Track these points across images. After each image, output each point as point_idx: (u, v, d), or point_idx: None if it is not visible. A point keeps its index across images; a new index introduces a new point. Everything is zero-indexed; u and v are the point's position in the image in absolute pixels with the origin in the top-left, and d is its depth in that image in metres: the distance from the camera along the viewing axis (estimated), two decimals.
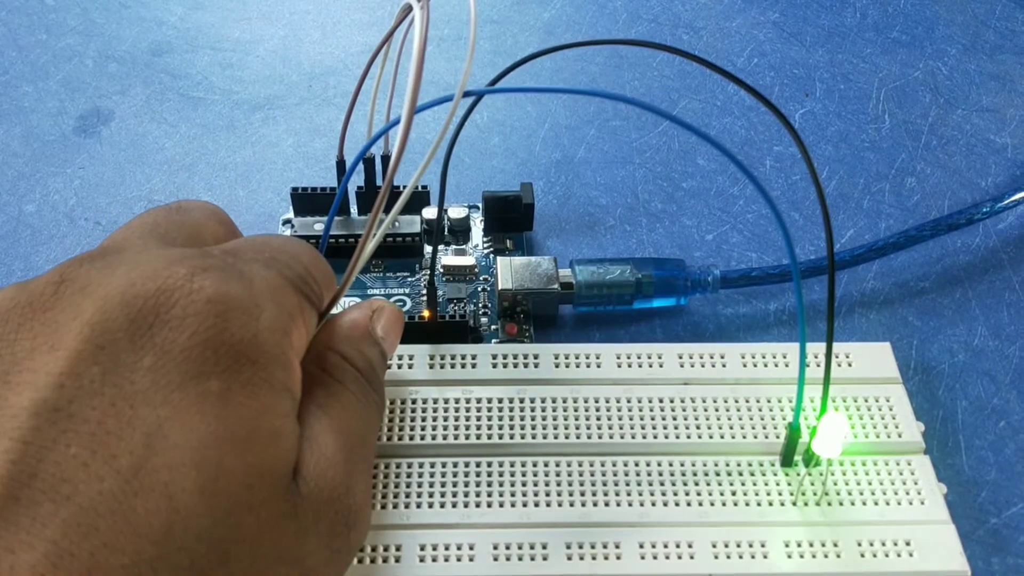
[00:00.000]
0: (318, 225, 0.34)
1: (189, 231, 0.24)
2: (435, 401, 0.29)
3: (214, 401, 0.19)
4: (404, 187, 0.34)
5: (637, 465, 0.27)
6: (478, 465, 0.27)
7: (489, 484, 0.27)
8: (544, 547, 0.25)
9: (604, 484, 0.27)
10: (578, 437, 0.28)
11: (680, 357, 0.30)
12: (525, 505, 0.26)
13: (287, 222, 0.36)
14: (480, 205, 0.36)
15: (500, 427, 0.28)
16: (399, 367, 0.30)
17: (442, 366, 0.30)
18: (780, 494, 0.27)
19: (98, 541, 0.17)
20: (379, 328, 0.26)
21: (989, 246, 0.36)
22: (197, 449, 0.19)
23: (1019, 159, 0.40)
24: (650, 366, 0.30)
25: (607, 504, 0.26)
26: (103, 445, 0.18)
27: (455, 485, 0.27)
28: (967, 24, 0.47)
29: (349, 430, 0.23)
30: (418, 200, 0.35)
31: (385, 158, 0.33)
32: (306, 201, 0.35)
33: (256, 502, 0.19)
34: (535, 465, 0.27)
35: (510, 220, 0.35)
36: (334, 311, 0.25)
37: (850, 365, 0.30)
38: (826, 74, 0.44)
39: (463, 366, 0.30)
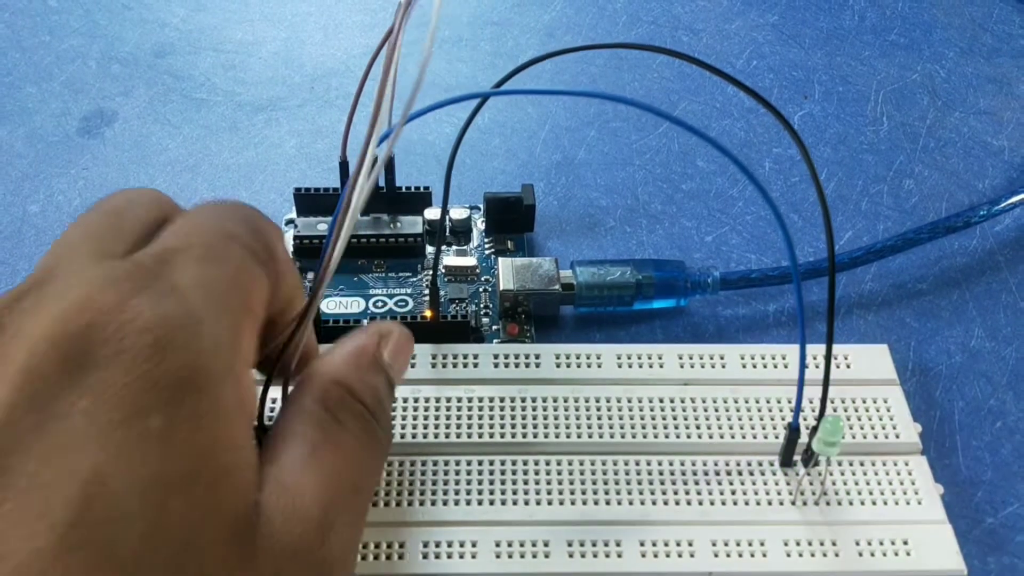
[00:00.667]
0: (321, 225, 0.35)
1: (127, 234, 0.21)
2: (437, 400, 0.29)
3: (155, 441, 0.18)
4: (408, 188, 0.35)
5: (638, 464, 0.27)
6: (480, 464, 0.27)
7: (491, 482, 0.27)
8: (546, 544, 0.25)
9: (605, 483, 0.27)
10: (579, 436, 0.28)
11: (680, 358, 0.30)
12: (527, 503, 0.26)
13: (290, 222, 0.36)
14: (481, 206, 0.37)
15: (502, 426, 0.28)
16: None
17: (444, 365, 0.30)
18: (779, 494, 0.27)
19: None
20: (386, 354, 0.24)
21: (986, 248, 0.36)
22: (138, 494, 0.17)
23: (1016, 162, 0.40)
24: (650, 367, 0.30)
25: (608, 503, 0.27)
26: (38, 499, 0.17)
27: (457, 483, 0.27)
28: (964, 27, 0.47)
29: (339, 478, 0.21)
30: (420, 201, 0.35)
31: (389, 160, 0.34)
32: (309, 201, 0.35)
33: (205, 545, 0.18)
34: (537, 464, 0.27)
35: (511, 221, 0.36)
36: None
37: (848, 367, 0.30)
38: (824, 76, 0.44)
39: (465, 366, 0.30)
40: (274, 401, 0.27)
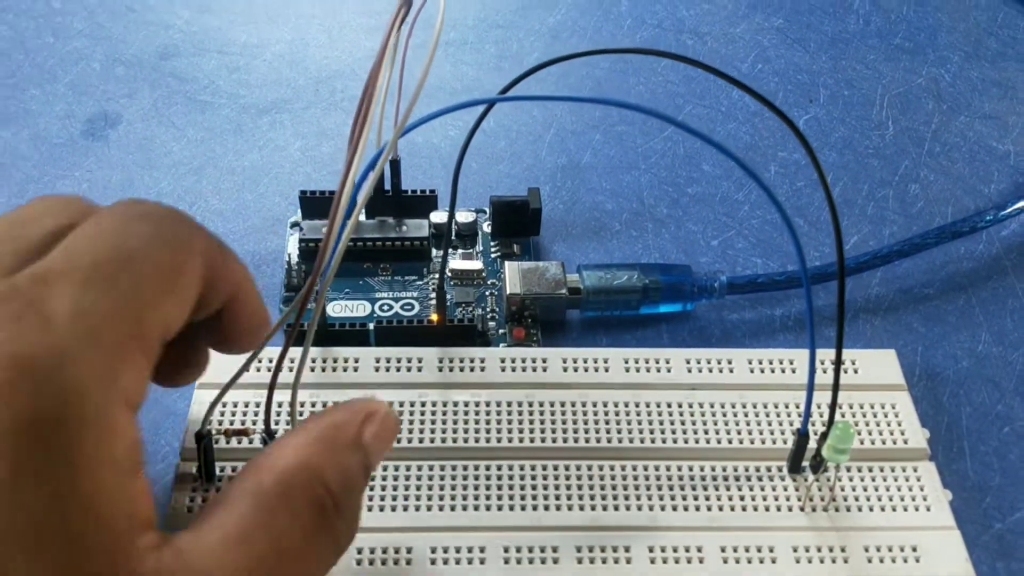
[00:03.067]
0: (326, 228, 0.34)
1: (24, 249, 0.19)
2: (444, 404, 0.29)
3: (1, 492, 0.16)
4: (414, 191, 0.35)
5: (646, 469, 0.27)
6: (487, 468, 0.27)
7: (499, 487, 0.27)
8: (555, 551, 0.25)
9: (614, 488, 0.27)
10: (587, 441, 0.28)
11: (688, 362, 0.30)
12: (535, 508, 0.26)
13: (295, 225, 0.36)
14: (487, 210, 0.36)
15: (509, 431, 0.28)
16: (408, 370, 0.30)
17: (451, 369, 0.30)
18: (788, 499, 0.27)
19: None
20: (368, 435, 0.22)
21: (992, 253, 0.36)
22: None
23: (1022, 166, 0.40)
24: (658, 371, 0.30)
25: (616, 508, 0.27)
26: None
27: (465, 488, 0.27)
28: (969, 32, 0.47)
29: (265, 569, 0.19)
30: (426, 204, 0.35)
31: (394, 163, 0.34)
32: (315, 204, 0.35)
33: None
34: (544, 469, 0.27)
35: (517, 225, 0.36)
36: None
37: (856, 372, 0.30)
38: (830, 80, 0.44)
39: (472, 370, 0.30)
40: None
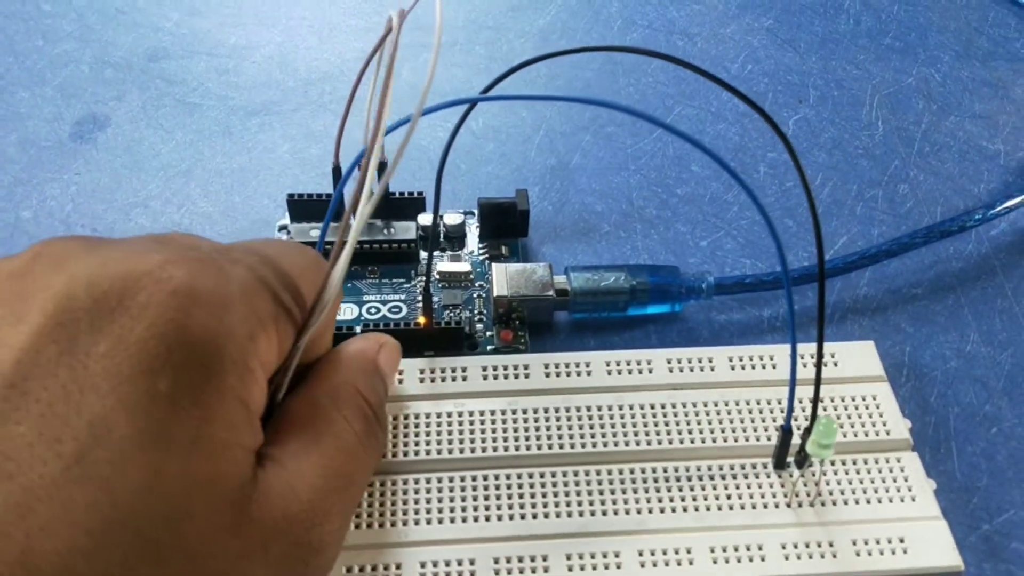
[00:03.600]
0: (314, 231, 0.34)
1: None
2: (427, 416, 0.29)
3: (161, 402, 0.18)
4: (399, 193, 0.35)
5: (632, 472, 0.27)
6: (474, 479, 0.27)
7: (486, 498, 0.27)
8: (544, 559, 0.25)
9: (601, 493, 0.27)
10: (572, 447, 0.28)
11: (669, 362, 0.30)
12: (523, 517, 0.26)
13: (283, 228, 0.36)
14: (475, 211, 0.36)
15: (494, 440, 0.28)
16: None
17: (433, 380, 0.30)
18: (774, 496, 0.27)
19: (35, 524, 0.17)
20: (382, 361, 0.26)
21: (981, 253, 0.36)
22: (139, 448, 0.18)
23: (1011, 166, 0.40)
24: (640, 372, 0.30)
25: (604, 513, 0.26)
26: (50, 427, 0.18)
27: (452, 500, 0.27)
28: (960, 31, 0.47)
29: (338, 470, 0.22)
30: (413, 206, 0.35)
31: (381, 165, 0.34)
32: (302, 207, 0.35)
33: (196, 511, 0.19)
34: (531, 476, 0.27)
35: (505, 226, 0.36)
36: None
37: (835, 364, 0.30)
38: (820, 81, 0.44)
39: (454, 379, 0.30)
40: None
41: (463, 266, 0.34)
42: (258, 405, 0.21)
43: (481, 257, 0.35)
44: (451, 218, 0.36)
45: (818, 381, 0.25)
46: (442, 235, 0.36)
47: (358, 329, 0.31)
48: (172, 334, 0.19)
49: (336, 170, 0.33)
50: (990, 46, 0.47)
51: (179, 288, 0.19)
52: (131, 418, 0.18)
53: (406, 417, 0.28)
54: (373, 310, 0.33)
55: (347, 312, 0.33)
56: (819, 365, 0.25)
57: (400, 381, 0.29)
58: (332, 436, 0.22)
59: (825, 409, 0.29)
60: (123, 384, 0.18)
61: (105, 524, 0.18)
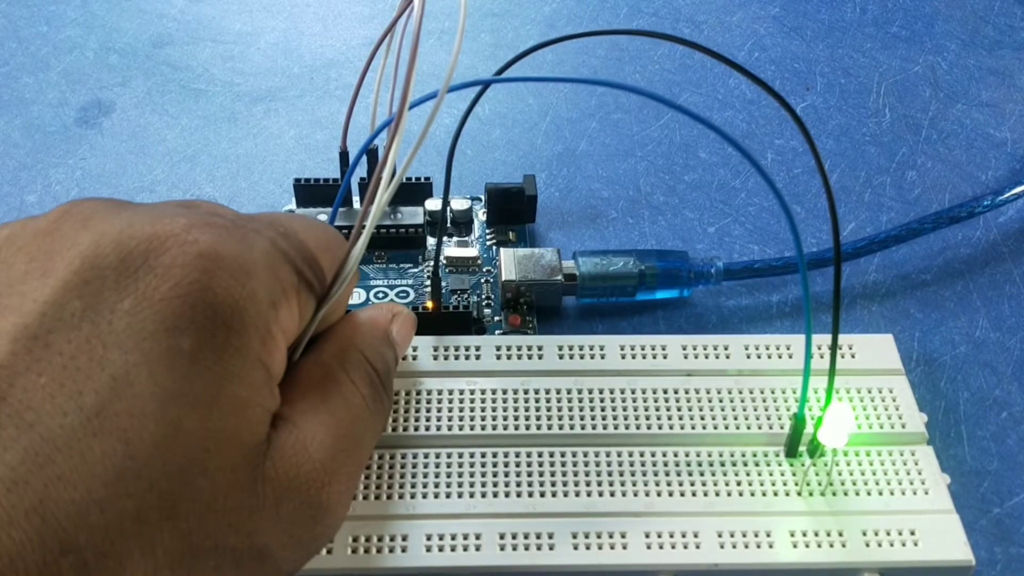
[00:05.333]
0: (321, 216, 0.34)
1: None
2: (439, 392, 0.29)
3: (183, 359, 0.19)
4: (407, 179, 0.35)
5: (642, 455, 0.27)
6: (483, 456, 0.27)
7: (495, 475, 0.27)
8: (550, 536, 0.25)
9: (609, 474, 0.27)
10: (583, 428, 0.28)
11: (684, 348, 0.30)
12: (531, 495, 0.26)
13: (289, 213, 0.36)
14: (483, 197, 0.36)
15: (505, 418, 0.28)
16: (403, 358, 0.30)
17: (446, 357, 0.30)
18: (785, 484, 0.27)
19: (53, 473, 0.17)
20: (395, 331, 0.26)
21: (990, 239, 0.36)
22: (159, 403, 0.18)
23: (1018, 153, 0.40)
24: (654, 357, 0.30)
25: (612, 494, 0.26)
26: (71, 380, 0.18)
27: (460, 476, 0.27)
28: (966, 19, 0.47)
29: (346, 431, 0.22)
30: (421, 192, 0.35)
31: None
32: (309, 192, 0.35)
33: (212, 467, 0.19)
34: (540, 456, 0.27)
35: (513, 212, 0.35)
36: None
37: (853, 356, 0.30)
38: (827, 68, 0.44)
39: (467, 358, 0.30)
40: None
41: (471, 251, 0.34)
42: (278, 369, 0.21)
43: (489, 242, 0.35)
44: (458, 203, 0.35)
45: (832, 369, 0.25)
46: (449, 220, 0.36)
47: None
48: (196, 294, 0.19)
49: (344, 155, 0.33)
50: (996, 35, 0.46)
51: (204, 251, 0.20)
52: (153, 373, 0.18)
53: (418, 393, 0.28)
54: (380, 295, 0.33)
55: (355, 297, 0.33)
56: (833, 353, 0.25)
57: (414, 357, 0.29)
58: (340, 397, 0.23)
59: (840, 400, 0.29)
60: (146, 340, 0.19)
61: (121, 475, 0.18)
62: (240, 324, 0.20)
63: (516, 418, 0.28)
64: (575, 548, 0.25)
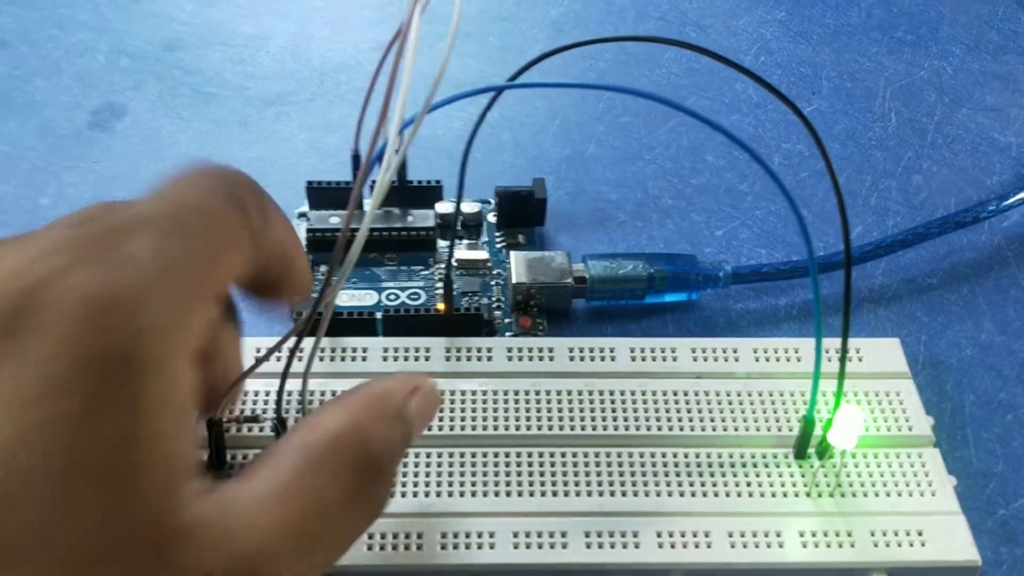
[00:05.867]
0: (334, 219, 0.35)
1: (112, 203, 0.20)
2: (452, 393, 0.29)
3: (71, 423, 0.16)
4: (417, 182, 0.35)
5: (653, 456, 0.28)
6: (496, 456, 0.27)
7: (507, 474, 0.27)
8: (563, 535, 0.26)
9: (621, 475, 0.27)
10: (594, 429, 0.28)
11: (693, 351, 0.30)
12: (544, 495, 0.27)
13: (302, 215, 0.36)
14: (492, 200, 0.37)
15: (517, 419, 0.28)
16: (415, 359, 0.30)
17: (458, 359, 0.30)
18: (794, 485, 0.27)
19: None
20: (413, 405, 0.22)
21: (995, 244, 0.37)
22: (46, 478, 0.16)
23: (1023, 158, 0.40)
24: (664, 360, 0.30)
25: (624, 494, 0.27)
26: None
27: (474, 475, 0.27)
28: (971, 24, 0.48)
29: (299, 528, 0.19)
30: (431, 195, 0.35)
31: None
32: (322, 195, 0.35)
33: (109, 544, 0.17)
34: (552, 456, 0.27)
35: (522, 215, 0.36)
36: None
37: (860, 360, 0.30)
38: (832, 73, 0.45)
39: (479, 359, 0.30)
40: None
41: (481, 254, 0.34)
42: (184, 408, 0.18)
43: (499, 245, 0.35)
44: (469, 206, 0.36)
45: (842, 372, 0.25)
46: (460, 223, 0.36)
47: (378, 316, 0.31)
48: (82, 348, 0.17)
49: (356, 157, 0.33)
50: (1000, 40, 0.47)
51: (86, 296, 0.17)
52: (38, 445, 0.16)
53: None
54: (392, 296, 0.33)
55: (366, 299, 0.33)
56: (843, 356, 0.25)
57: (427, 358, 0.30)
58: (306, 490, 0.19)
59: (848, 403, 0.29)
60: (29, 408, 0.16)
61: (9, 556, 0.16)
62: (137, 367, 0.17)
63: (528, 419, 0.28)
64: (587, 547, 0.25)
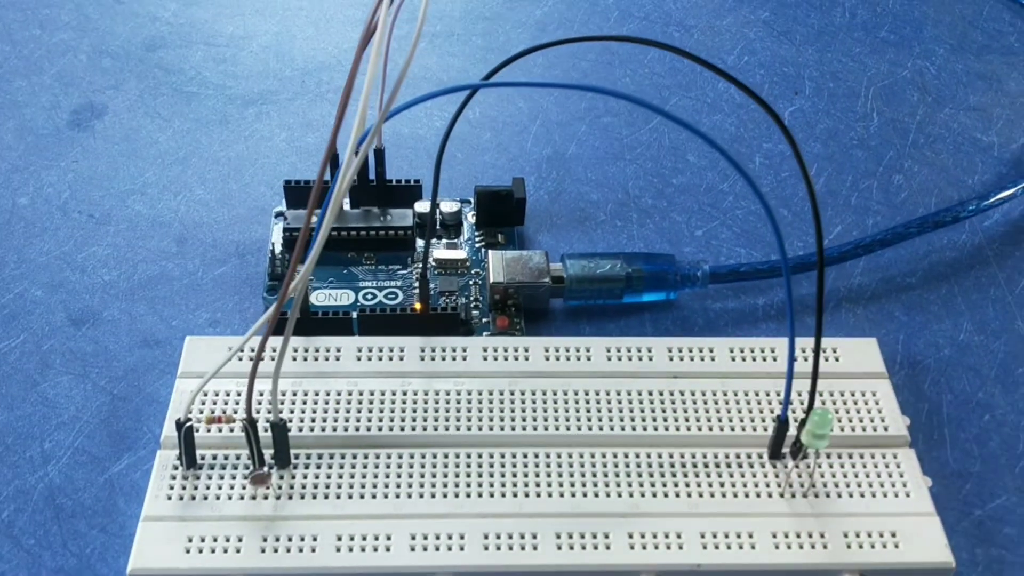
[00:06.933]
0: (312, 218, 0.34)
1: None
2: (426, 393, 0.29)
3: None
4: (396, 181, 0.35)
5: (627, 457, 0.27)
6: (468, 456, 0.27)
7: (480, 475, 0.27)
8: (535, 537, 0.25)
9: (594, 475, 0.27)
10: (568, 429, 0.28)
11: (669, 351, 0.30)
12: (515, 496, 0.26)
13: (280, 215, 0.36)
14: (472, 199, 0.37)
15: (491, 419, 0.28)
16: (390, 359, 0.30)
17: (433, 358, 0.30)
18: (768, 486, 0.27)
19: None
20: None
21: (975, 243, 0.37)
22: None
23: (1005, 157, 0.40)
24: (640, 359, 0.30)
25: (597, 495, 0.27)
26: None
27: (446, 476, 0.27)
28: (955, 24, 0.48)
29: None
30: (410, 194, 0.35)
31: (378, 152, 0.34)
32: (299, 194, 0.35)
33: None
34: (526, 457, 0.27)
35: (502, 214, 0.36)
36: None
37: (837, 360, 0.30)
38: (815, 72, 0.44)
39: (454, 359, 0.30)
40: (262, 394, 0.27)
41: (459, 253, 0.34)
42: None
43: (478, 245, 0.35)
44: (448, 206, 0.36)
45: (815, 372, 0.25)
46: (439, 222, 0.36)
47: (354, 315, 0.31)
48: None
49: (334, 158, 0.33)
50: (984, 39, 0.47)
51: None
52: None
53: (404, 393, 0.29)
54: (369, 296, 0.33)
55: (343, 298, 0.33)
56: (816, 355, 0.25)
57: (401, 358, 0.30)
58: None
59: (824, 403, 0.29)
60: None
61: None
62: None
63: (502, 419, 0.28)
64: (559, 548, 0.25)
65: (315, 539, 0.25)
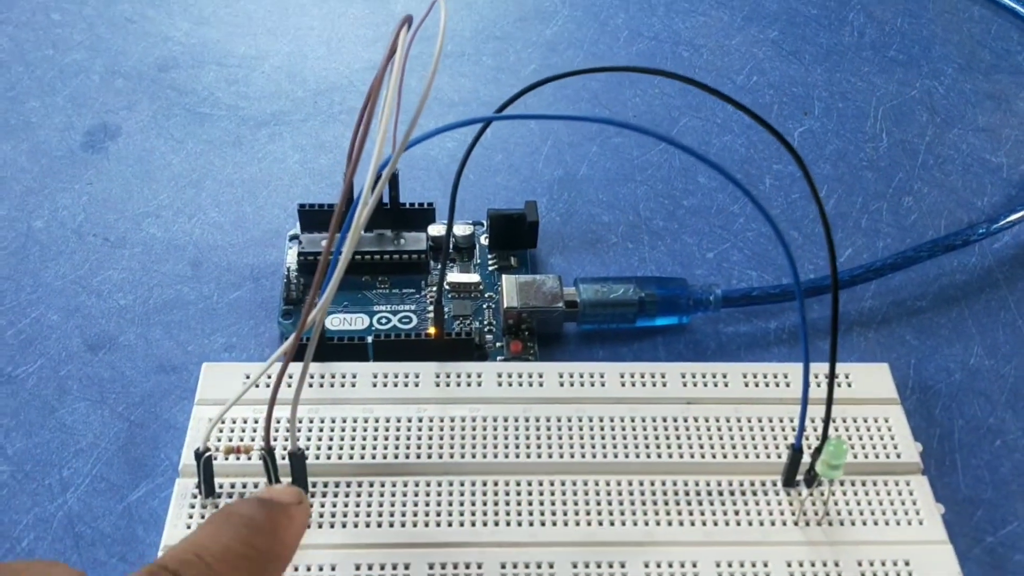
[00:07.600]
0: (325, 241, 0.35)
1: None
2: (442, 420, 0.29)
3: None
4: (410, 204, 0.35)
5: (642, 484, 0.28)
6: (484, 484, 0.27)
7: (495, 503, 0.27)
8: (551, 566, 0.26)
9: (609, 503, 0.27)
10: (583, 456, 0.28)
11: (683, 376, 0.31)
12: (532, 524, 0.27)
13: (294, 238, 0.36)
14: (485, 222, 0.37)
15: (506, 446, 0.28)
16: (405, 385, 0.30)
17: (448, 384, 0.30)
18: (782, 514, 0.27)
19: None
20: (281, 532, 0.22)
21: (985, 266, 0.37)
22: None
23: (1014, 179, 0.41)
24: (653, 385, 0.30)
25: (612, 524, 0.27)
26: None
27: (462, 504, 0.27)
28: (963, 44, 0.48)
29: None
30: (423, 217, 0.35)
31: (392, 176, 0.34)
32: (313, 217, 0.35)
33: None
34: (541, 484, 0.28)
35: (515, 237, 0.36)
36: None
37: (849, 385, 0.31)
38: (824, 92, 0.45)
39: (469, 384, 0.30)
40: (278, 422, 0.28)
41: (472, 277, 0.35)
42: None
43: (491, 268, 0.36)
44: (461, 229, 0.36)
45: (830, 401, 0.26)
46: (452, 246, 0.36)
47: (369, 340, 0.31)
48: None
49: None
50: (993, 59, 0.47)
51: None
52: None
53: (420, 420, 0.29)
54: (384, 320, 0.33)
55: (357, 323, 0.33)
56: (831, 385, 0.25)
57: (416, 384, 0.30)
58: None
59: (836, 429, 0.29)
60: None
61: None
62: None
63: (517, 446, 0.29)
64: None
65: (333, 569, 0.25)
